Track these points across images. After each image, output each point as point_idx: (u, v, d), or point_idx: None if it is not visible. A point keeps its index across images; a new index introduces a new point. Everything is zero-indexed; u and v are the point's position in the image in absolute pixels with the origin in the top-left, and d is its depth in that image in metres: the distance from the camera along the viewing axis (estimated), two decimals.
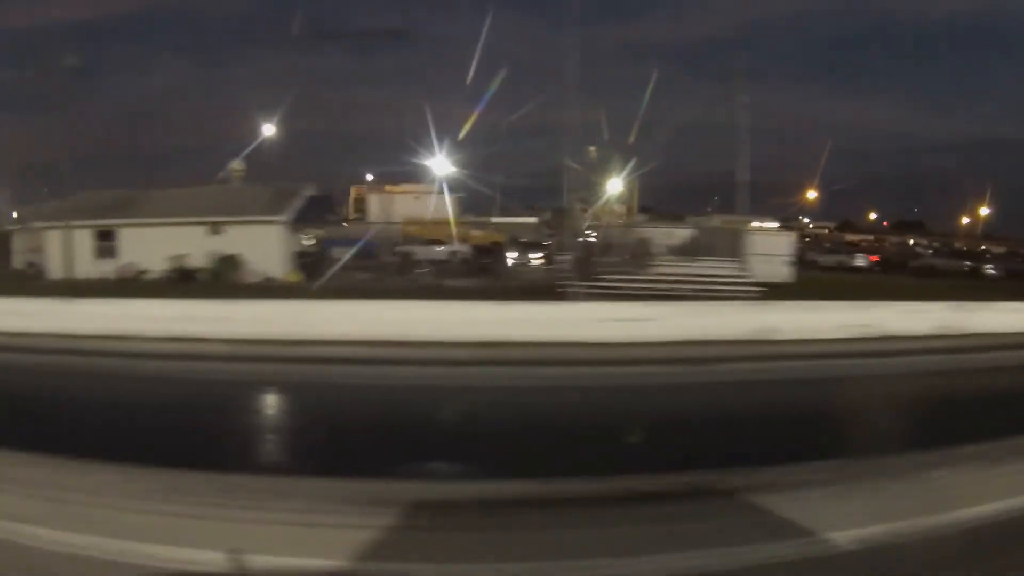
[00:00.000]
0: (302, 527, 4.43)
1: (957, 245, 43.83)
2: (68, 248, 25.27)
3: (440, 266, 28.85)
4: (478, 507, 5.00)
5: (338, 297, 18.54)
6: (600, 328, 15.49)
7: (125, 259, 25.14)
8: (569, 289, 20.95)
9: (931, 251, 41.93)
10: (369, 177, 51.09)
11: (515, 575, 3.92)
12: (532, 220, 44.02)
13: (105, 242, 25.67)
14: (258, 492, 5.13)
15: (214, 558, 3.88)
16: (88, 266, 25.25)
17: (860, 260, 34.57)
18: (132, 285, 22.88)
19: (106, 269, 24.86)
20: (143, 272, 24.59)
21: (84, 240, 25.74)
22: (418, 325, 15.29)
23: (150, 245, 24.83)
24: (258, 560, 3.86)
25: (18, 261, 29.92)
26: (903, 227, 62.89)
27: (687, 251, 25.93)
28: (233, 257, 24.12)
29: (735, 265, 24.33)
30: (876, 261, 35.17)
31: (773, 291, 21.47)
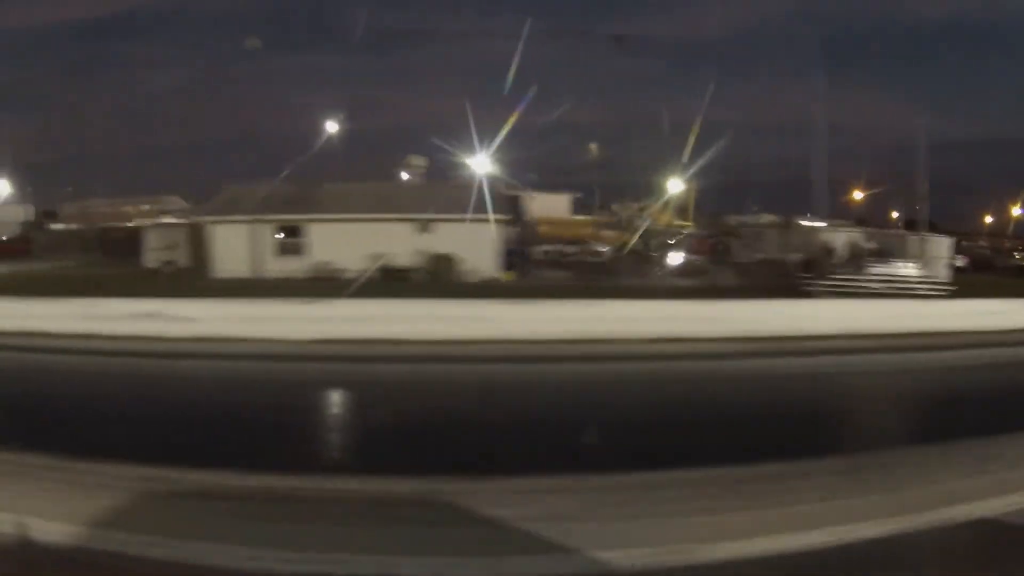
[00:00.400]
0: None
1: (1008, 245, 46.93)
2: (255, 245, 23.15)
3: (605, 265, 28.29)
4: None
5: (619, 296, 17.89)
6: (966, 320, 15.77)
7: (316, 257, 23.11)
8: (811, 287, 21.24)
9: (988, 251, 44.68)
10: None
11: None
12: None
13: (290, 239, 23.54)
14: None
15: None
16: (267, 264, 23.18)
17: (959, 261, 36.47)
18: (345, 286, 21.06)
19: (290, 268, 22.81)
20: (339, 271, 22.68)
21: (263, 236, 23.55)
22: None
23: (343, 243, 22.94)
24: None
25: (152, 259, 27.02)
26: (911, 227, 66.44)
27: (872, 254, 26.60)
28: (448, 256, 22.68)
29: (918, 267, 25.24)
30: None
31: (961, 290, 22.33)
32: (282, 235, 23.58)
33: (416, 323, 13.60)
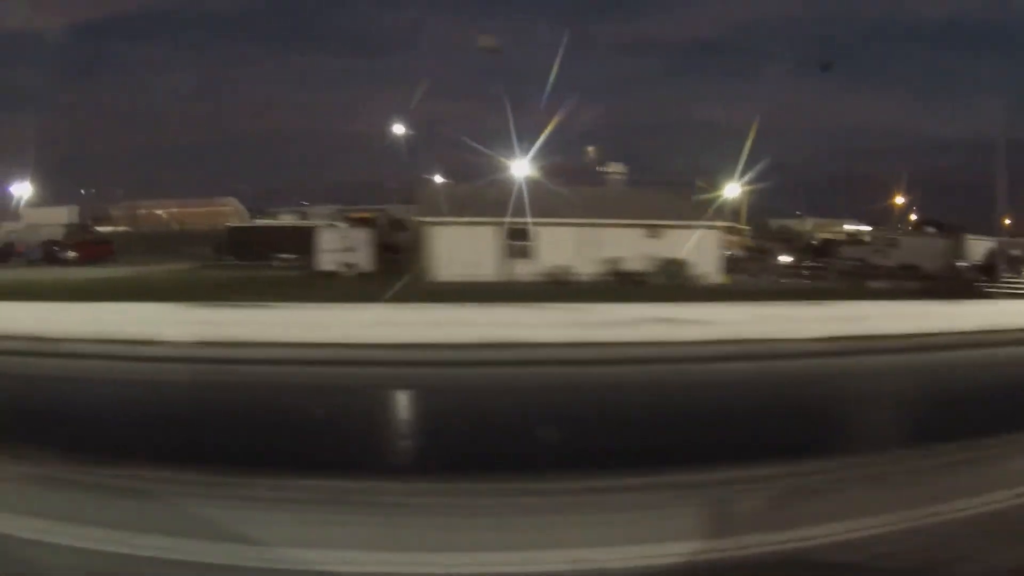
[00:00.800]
0: None
1: None
2: (480, 248, 22.79)
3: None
4: None
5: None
6: None
7: (545, 261, 23.03)
8: (991, 289, 23.50)
9: None
10: None
11: None
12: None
13: (518, 242, 23.31)
14: None
15: None
16: (494, 268, 22.95)
17: None
18: (591, 288, 21.19)
19: (520, 271, 22.69)
20: (572, 275, 22.75)
21: (489, 239, 23.24)
22: None
23: (572, 246, 23.05)
24: None
25: (327, 262, 25.91)
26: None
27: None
28: (679, 261, 23.21)
29: None
30: None
31: None
32: (510, 238, 23.33)
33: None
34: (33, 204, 57.09)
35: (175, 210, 59.49)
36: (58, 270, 33.30)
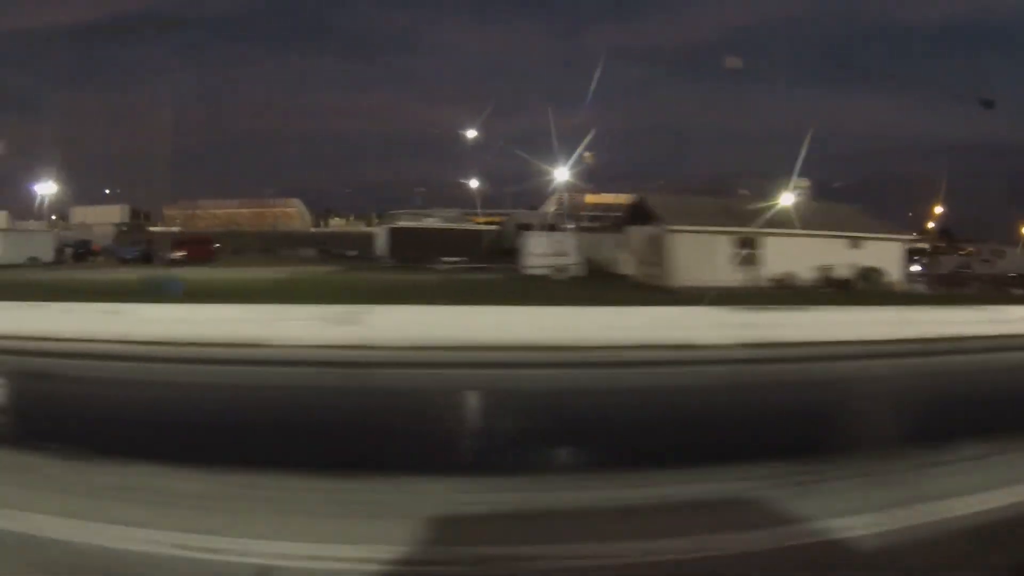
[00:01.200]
0: None
1: None
2: (711, 255, 25.53)
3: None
4: None
5: None
6: None
7: (770, 268, 25.99)
8: None
9: None
10: None
11: None
12: None
13: (745, 250, 26.12)
14: None
15: None
16: (723, 274, 25.71)
17: None
18: (815, 293, 24.38)
19: (746, 277, 25.58)
20: (795, 281, 25.84)
21: (720, 247, 25.96)
22: None
23: (792, 255, 26.16)
24: None
25: (535, 265, 27.80)
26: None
27: None
28: (876, 269, 26.77)
29: None
30: None
31: None
32: (739, 247, 26.12)
33: None
34: (70, 204, 54.40)
35: (236, 210, 58.20)
36: (181, 271, 32.95)
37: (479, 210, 50.80)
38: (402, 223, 37.76)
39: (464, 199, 49.73)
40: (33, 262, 39.06)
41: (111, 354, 11.99)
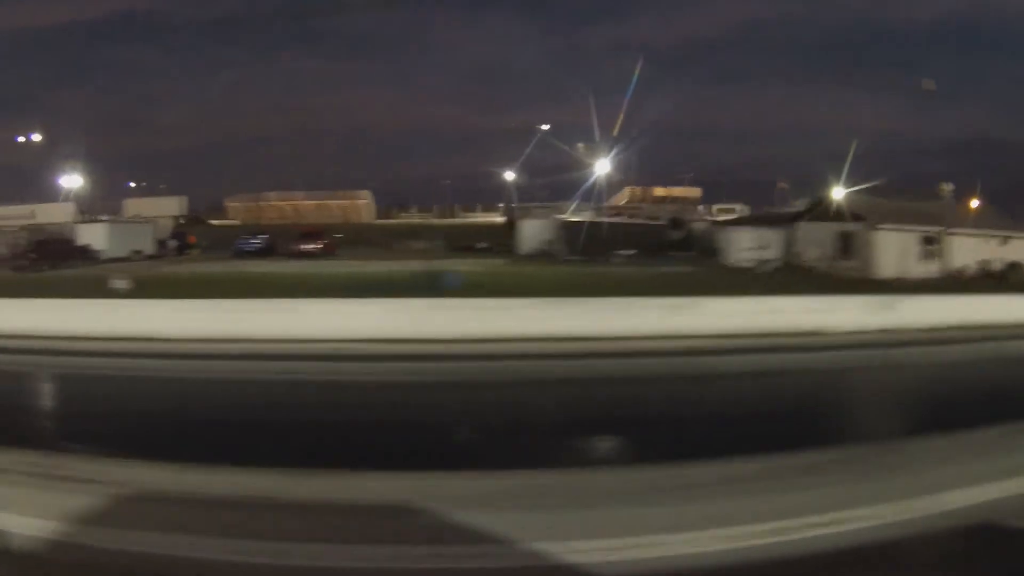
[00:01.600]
0: None
1: None
2: (903, 251, 28.89)
3: None
4: None
5: None
6: None
7: (947, 262, 29.66)
8: None
9: None
10: None
11: None
12: None
13: (928, 246, 29.60)
14: None
15: None
16: (913, 267, 29.20)
17: None
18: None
19: (928, 270, 29.18)
20: (968, 274, 29.70)
21: (909, 243, 29.34)
22: None
23: (963, 251, 30.07)
24: None
25: (741, 259, 29.96)
26: None
27: None
28: (1019, 263, 31.12)
29: None
30: None
31: None
32: (923, 244, 29.58)
33: None
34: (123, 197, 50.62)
35: (304, 202, 55.46)
36: (317, 264, 31.86)
37: (515, 204, 51.88)
38: (572, 217, 38.21)
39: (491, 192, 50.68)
40: (137, 255, 36.40)
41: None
